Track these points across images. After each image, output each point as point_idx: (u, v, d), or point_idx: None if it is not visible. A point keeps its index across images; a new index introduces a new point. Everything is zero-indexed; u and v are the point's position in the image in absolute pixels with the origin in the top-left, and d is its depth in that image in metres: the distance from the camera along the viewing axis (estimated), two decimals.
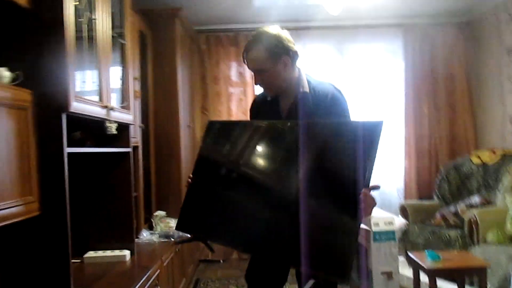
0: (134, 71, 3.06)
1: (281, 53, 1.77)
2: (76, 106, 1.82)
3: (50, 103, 1.73)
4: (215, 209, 1.82)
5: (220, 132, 1.94)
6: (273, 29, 1.81)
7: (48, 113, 1.74)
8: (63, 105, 1.74)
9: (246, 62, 1.84)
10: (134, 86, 3.06)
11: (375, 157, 1.40)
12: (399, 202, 4.59)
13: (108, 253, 2.56)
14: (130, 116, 2.60)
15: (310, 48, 4.84)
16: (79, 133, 2.34)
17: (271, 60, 1.76)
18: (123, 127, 2.59)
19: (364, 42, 4.88)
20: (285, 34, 1.82)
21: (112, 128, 2.24)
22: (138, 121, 3.19)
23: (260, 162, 1.76)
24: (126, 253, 2.56)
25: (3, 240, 1.71)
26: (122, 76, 2.60)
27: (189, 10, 4.00)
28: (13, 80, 1.67)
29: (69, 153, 1.82)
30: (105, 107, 2.16)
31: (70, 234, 1.81)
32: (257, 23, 4.61)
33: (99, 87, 2.13)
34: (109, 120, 2.21)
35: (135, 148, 3.06)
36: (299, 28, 4.67)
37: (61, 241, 1.77)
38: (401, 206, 4.38)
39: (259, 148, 1.75)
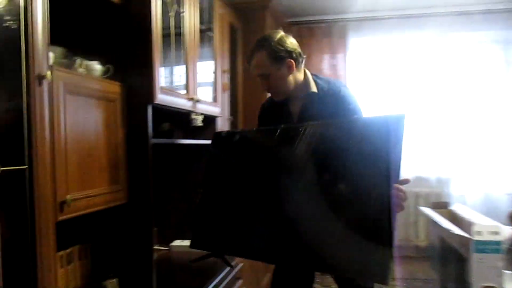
0: (223, 64, 3.08)
1: (284, 56, 1.76)
2: (162, 98, 1.86)
3: (137, 95, 1.79)
4: (229, 221, 1.70)
5: (227, 142, 1.81)
6: (276, 33, 1.80)
7: (135, 104, 1.80)
8: (149, 97, 1.78)
9: (250, 69, 1.85)
10: (223, 79, 3.09)
11: (401, 151, 1.36)
12: (509, 209, 4.10)
13: None
14: (217, 109, 2.62)
15: (409, 37, 4.52)
16: (168, 125, 2.41)
17: (275, 64, 1.76)
18: (210, 119, 2.62)
19: (470, 30, 4.41)
20: (288, 38, 1.80)
21: (198, 120, 2.26)
22: (227, 114, 3.21)
23: (277, 168, 1.63)
24: None
25: (96, 224, 1.80)
26: (213, 69, 2.63)
27: (282, 2, 3.94)
28: (104, 73, 1.75)
29: (157, 144, 1.87)
30: (191, 99, 2.19)
31: (156, 222, 1.86)
32: (353, 13, 4.44)
33: (186, 79, 2.16)
34: (195, 112, 2.23)
35: None
36: (396, 16, 4.37)
37: (145, 229, 1.82)
38: (510, 214, 3.90)
39: (274, 155, 1.63)
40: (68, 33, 1.79)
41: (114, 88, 1.72)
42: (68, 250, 1.69)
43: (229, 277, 2.37)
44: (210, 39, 2.60)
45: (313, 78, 1.87)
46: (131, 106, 1.79)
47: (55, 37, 1.68)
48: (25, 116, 1.24)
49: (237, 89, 3.59)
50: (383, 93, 4.67)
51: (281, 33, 1.80)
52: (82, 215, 1.53)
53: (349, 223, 1.42)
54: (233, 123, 3.46)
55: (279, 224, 1.56)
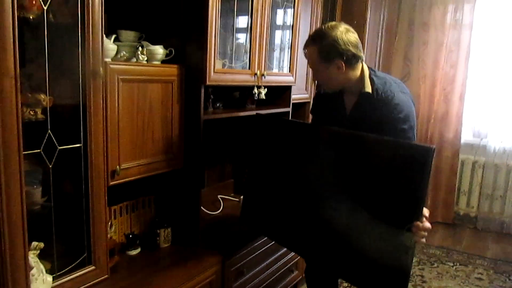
0: (311, 27, 3.09)
1: (334, 57, 1.73)
2: (217, 79, 2.05)
3: (193, 75, 2.02)
4: (269, 208, 1.91)
5: (271, 128, 1.97)
6: (333, 30, 1.73)
7: (191, 84, 2.03)
8: (202, 79, 1.99)
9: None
10: None
11: (427, 184, 1.36)
12: None
13: None
14: (290, 78, 2.70)
15: None
16: (238, 93, 2.61)
17: (324, 63, 1.76)
18: (284, 88, 2.74)
19: None
20: (344, 36, 1.72)
21: (261, 94, 2.41)
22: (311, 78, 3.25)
23: (306, 168, 1.77)
24: None
25: (160, 181, 2.17)
26: (289, 37, 2.69)
27: None
28: (167, 55, 2.00)
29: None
30: (254, 74, 2.33)
31: (233, 175, 2.14)
32: None
33: (249, 53, 2.30)
34: (258, 86, 2.38)
35: (303, 105, 3.19)
36: None
37: (195, 190, 2.14)
38: None
39: (304, 154, 1.77)
40: (144, 19, 2.07)
41: (171, 71, 1.96)
42: (133, 200, 2.10)
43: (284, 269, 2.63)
44: (286, 6, 2.62)
45: (370, 75, 1.82)
46: (189, 85, 2.03)
47: (131, 22, 2.00)
48: (81, 104, 1.58)
49: None
50: None
51: (339, 28, 1.73)
52: (140, 178, 1.90)
53: (371, 245, 1.53)
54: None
55: (311, 224, 1.75)
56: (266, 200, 1.93)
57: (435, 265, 3.55)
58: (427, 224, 1.41)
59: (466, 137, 4.46)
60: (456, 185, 4.47)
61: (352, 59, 1.75)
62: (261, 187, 1.98)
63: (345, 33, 1.73)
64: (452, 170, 4.41)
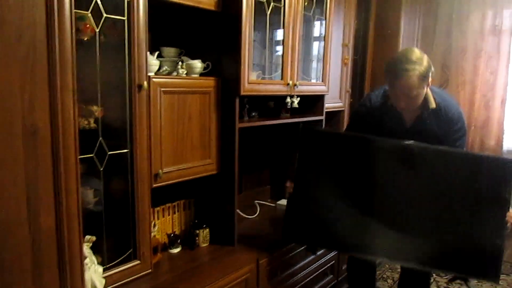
0: (345, 38, 3.19)
1: (429, 76, 1.90)
2: (251, 89, 2.20)
3: (229, 87, 2.17)
4: (324, 217, 1.99)
5: (325, 141, 2.07)
6: (420, 53, 1.90)
7: (228, 94, 2.19)
8: (237, 90, 2.15)
9: (396, 86, 1.90)
10: (343, 53, 3.21)
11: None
12: None
13: None
14: (323, 87, 2.81)
15: None
16: (272, 103, 2.75)
17: (423, 84, 1.89)
18: (318, 97, 2.85)
19: None
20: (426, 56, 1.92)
21: (294, 103, 2.53)
22: (347, 86, 3.34)
23: (383, 179, 1.94)
24: None
25: (200, 185, 2.32)
26: (323, 46, 2.80)
27: None
28: (204, 68, 2.17)
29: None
30: (287, 84, 2.46)
31: (270, 181, 2.26)
32: None
33: (282, 65, 2.43)
34: (291, 95, 2.51)
35: (337, 113, 3.28)
36: None
37: (230, 194, 2.28)
38: None
39: (381, 164, 1.94)
40: (184, 37, 2.26)
41: (208, 83, 2.13)
42: (174, 203, 2.28)
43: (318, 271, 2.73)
44: (320, 12, 2.73)
45: (431, 92, 2.02)
46: (225, 96, 2.19)
47: (172, 39, 2.19)
48: (127, 114, 1.77)
49: (365, 57, 3.63)
50: None
51: (422, 52, 1.90)
52: (183, 181, 2.07)
53: (465, 234, 1.86)
54: (354, 95, 3.56)
55: (386, 224, 1.93)
56: (326, 211, 2.00)
57: None
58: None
59: (509, 144, 4.36)
60: None
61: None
62: (318, 199, 2.03)
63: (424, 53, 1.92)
64: None
